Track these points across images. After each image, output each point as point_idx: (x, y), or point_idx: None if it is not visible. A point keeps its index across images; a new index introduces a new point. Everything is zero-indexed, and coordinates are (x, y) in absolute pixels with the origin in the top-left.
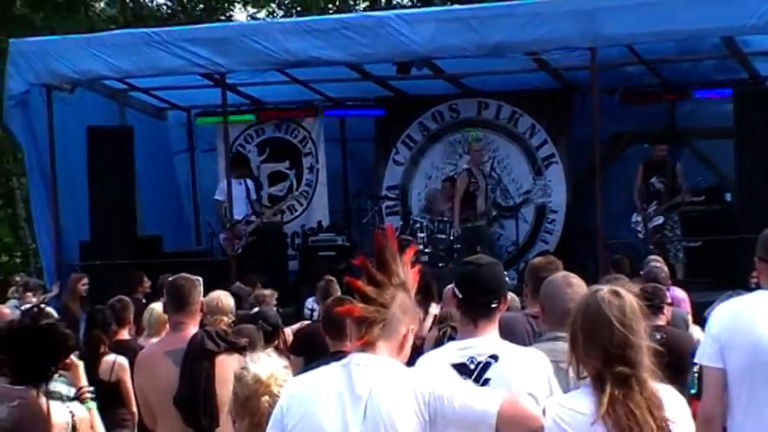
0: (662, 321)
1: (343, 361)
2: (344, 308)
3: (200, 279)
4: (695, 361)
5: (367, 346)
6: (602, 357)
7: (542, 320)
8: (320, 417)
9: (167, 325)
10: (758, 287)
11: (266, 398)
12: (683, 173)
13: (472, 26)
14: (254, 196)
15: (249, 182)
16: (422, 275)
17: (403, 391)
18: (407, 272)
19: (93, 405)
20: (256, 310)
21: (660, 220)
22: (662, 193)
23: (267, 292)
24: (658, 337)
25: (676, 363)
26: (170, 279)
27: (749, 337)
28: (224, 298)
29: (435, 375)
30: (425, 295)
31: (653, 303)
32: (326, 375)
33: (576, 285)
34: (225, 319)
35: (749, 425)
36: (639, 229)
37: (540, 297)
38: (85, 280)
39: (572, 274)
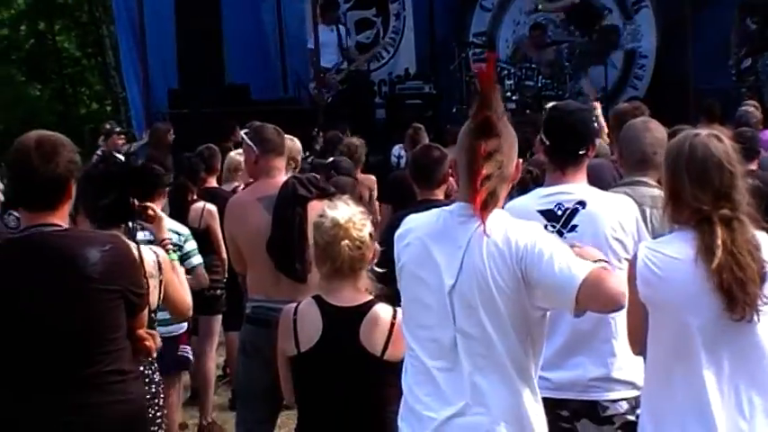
0: (754, 166)
1: (450, 207)
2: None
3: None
4: None
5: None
6: (710, 199)
7: (620, 164)
8: (420, 260)
9: (257, 172)
10: None
11: (346, 242)
12: None
13: None
14: (345, 43)
15: (342, 28)
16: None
17: (500, 243)
18: (497, 96)
19: (174, 256)
20: (331, 159)
21: (749, 61)
22: (755, 35)
23: (357, 141)
24: (750, 182)
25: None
26: (258, 125)
27: None
28: (289, 141)
29: (534, 231)
30: None
31: (746, 147)
32: (432, 221)
33: (655, 130)
34: (291, 163)
35: None
36: (733, 72)
37: (618, 141)
38: (172, 130)
39: (651, 119)
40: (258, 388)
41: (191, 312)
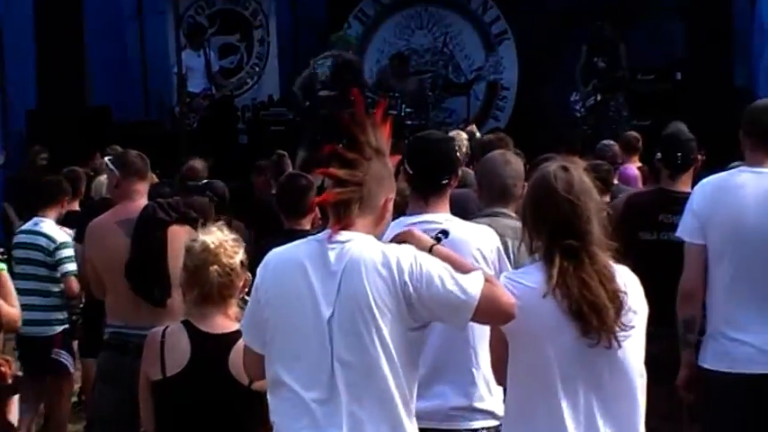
0: (606, 198)
1: (319, 236)
2: (319, 198)
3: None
4: (677, 234)
5: (345, 227)
6: (550, 231)
7: (479, 196)
8: (292, 291)
9: (118, 196)
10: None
11: (215, 267)
12: (625, 54)
13: None
14: (215, 68)
15: (211, 53)
16: None
17: (378, 266)
18: (380, 134)
19: (3, 266)
20: (205, 181)
21: (594, 99)
22: (603, 73)
23: (199, 164)
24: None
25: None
26: (122, 151)
27: (731, 214)
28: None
29: (414, 253)
30: None
31: (599, 179)
32: (301, 249)
33: (514, 162)
34: None
35: (730, 302)
36: (578, 108)
37: (477, 174)
38: (45, 154)
39: (510, 152)
40: (115, 415)
41: (18, 324)
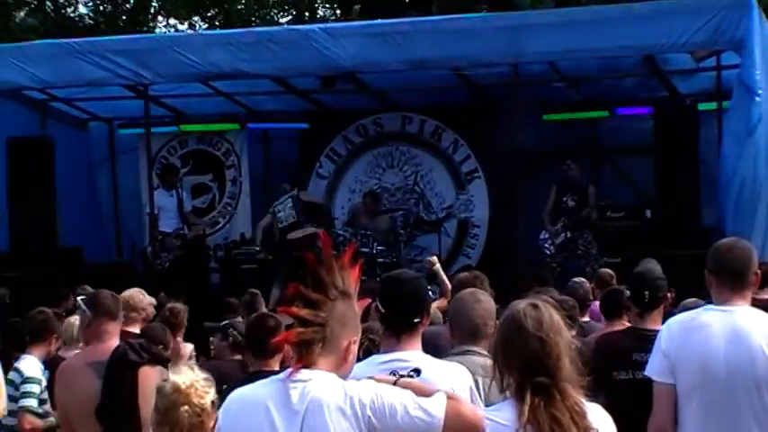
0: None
1: (281, 375)
2: (280, 337)
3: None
4: (645, 374)
5: (306, 364)
6: (520, 368)
7: (451, 335)
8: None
9: (89, 337)
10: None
11: (186, 407)
12: (594, 193)
13: (396, 41)
14: (188, 208)
15: (183, 193)
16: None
17: (341, 403)
18: (347, 276)
19: None
20: (226, 321)
21: (564, 237)
22: (572, 212)
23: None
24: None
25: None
26: (94, 292)
27: (700, 354)
28: (139, 294)
29: (374, 386)
30: None
31: (567, 316)
32: (263, 390)
33: (485, 302)
34: (138, 316)
35: None
36: (547, 246)
37: (449, 313)
38: (5, 293)
39: (481, 291)
40: None
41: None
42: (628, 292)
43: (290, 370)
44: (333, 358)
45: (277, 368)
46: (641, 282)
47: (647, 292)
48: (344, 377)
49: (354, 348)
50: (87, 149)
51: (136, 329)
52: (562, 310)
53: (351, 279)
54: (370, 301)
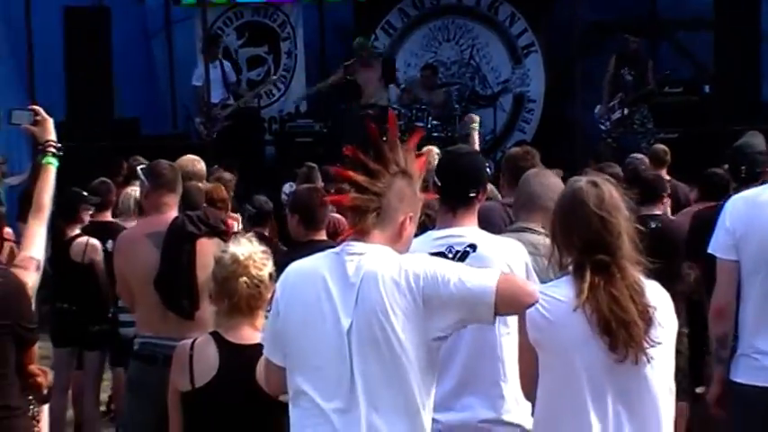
0: (659, 211)
1: (337, 249)
2: (334, 198)
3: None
4: (709, 251)
5: (360, 234)
6: (580, 246)
7: (514, 211)
8: (312, 303)
9: (148, 207)
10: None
11: (244, 278)
12: (653, 68)
13: None
14: (231, 79)
15: (226, 64)
16: None
17: (395, 276)
18: (410, 159)
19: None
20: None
21: (621, 113)
22: (630, 86)
23: (227, 174)
24: (653, 225)
25: (670, 251)
26: (153, 162)
27: (764, 231)
28: (198, 162)
29: (428, 258)
30: None
31: (648, 191)
32: (320, 262)
33: (545, 177)
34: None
35: (762, 318)
36: (603, 121)
37: (516, 190)
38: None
39: (547, 171)
40: (144, 425)
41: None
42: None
43: (345, 242)
44: (388, 232)
45: (325, 237)
46: (739, 156)
47: (743, 167)
48: (401, 253)
49: (411, 225)
50: (143, 19)
51: None
52: (640, 186)
53: (414, 162)
54: (435, 195)
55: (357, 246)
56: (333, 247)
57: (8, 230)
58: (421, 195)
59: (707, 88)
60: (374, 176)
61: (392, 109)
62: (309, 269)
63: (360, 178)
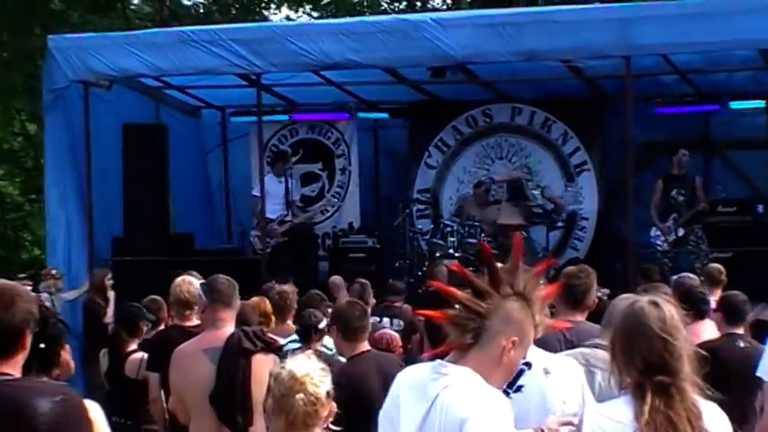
0: (741, 330)
1: (433, 363)
2: (430, 313)
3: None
4: (757, 375)
5: (456, 353)
6: (641, 367)
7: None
8: (394, 408)
9: (204, 322)
10: None
11: (301, 395)
12: (701, 186)
13: (507, 32)
14: (294, 196)
15: (291, 181)
16: None
17: (457, 416)
18: (533, 284)
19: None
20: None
21: (680, 232)
22: (681, 206)
23: (288, 288)
24: (741, 345)
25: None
26: (211, 277)
27: None
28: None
29: (493, 422)
30: None
31: (741, 314)
32: (414, 374)
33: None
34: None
35: None
36: (659, 242)
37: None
38: (110, 275)
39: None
40: None
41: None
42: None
43: (441, 352)
44: (487, 354)
45: (367, 348)
46: None
47: None
48: (499, 382)
49: (515, 351)
50: (199, 136)
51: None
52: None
53: (537, 287)
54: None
55: (447, 367)
56: (375, 356)
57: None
58: (548, 321)
59: (760, 208)
60: (480, 296)
61: (444, 224)
62: (406, 378)
63: (462, 295)
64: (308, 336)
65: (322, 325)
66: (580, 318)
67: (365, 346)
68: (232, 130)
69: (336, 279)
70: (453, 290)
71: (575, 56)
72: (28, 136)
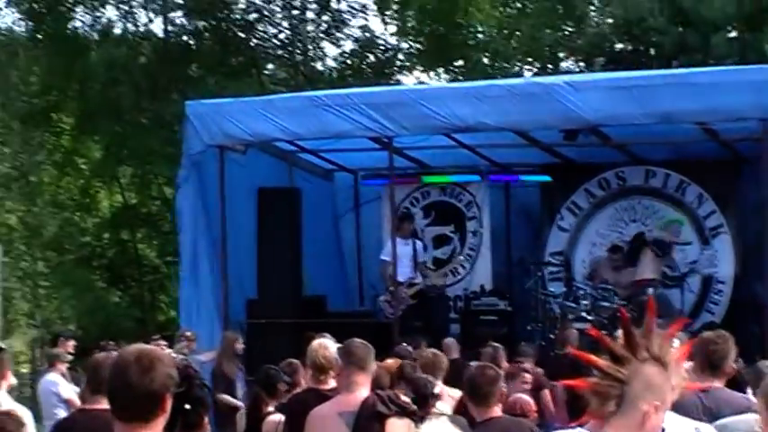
0: None
1: (581, 428)
2: (574, 383)
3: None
4: None
5: (599, 421)
6: None
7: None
8: None
9: (340, 385)
10: None
11: None
12: None
13: (641, 94)
14: (421, 258)
15: (419, 243)
16: None
17: None
18: (666, 346)
19: None
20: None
21: None
22: None
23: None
24: None
25: None
26: (347, 341)
27: None
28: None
29: None
30: None
31: None
32: None
33: None
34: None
35: None
36: None
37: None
38: (241, 339)
39: None
40: None
41: None
42: None
43: (583, 422)
44: (629, 421)
45: (499, 414)
46: None
47: None
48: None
49: (657, 415)
50: (332, 199)
51: None
52: None
53: (670, 349)
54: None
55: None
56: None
57: None
58: (683, 384)
59: None
60: (619, 362)
61: (577, 287)
62: None
63: (602, 363)
64: (424, 402)
65: (437, 390)
66: (718, 384)
67: (496, 411)
68: (364, 194)
69: (449, 341)
70: (593, 357)
71: (710, 118)
72: (165, 200)
